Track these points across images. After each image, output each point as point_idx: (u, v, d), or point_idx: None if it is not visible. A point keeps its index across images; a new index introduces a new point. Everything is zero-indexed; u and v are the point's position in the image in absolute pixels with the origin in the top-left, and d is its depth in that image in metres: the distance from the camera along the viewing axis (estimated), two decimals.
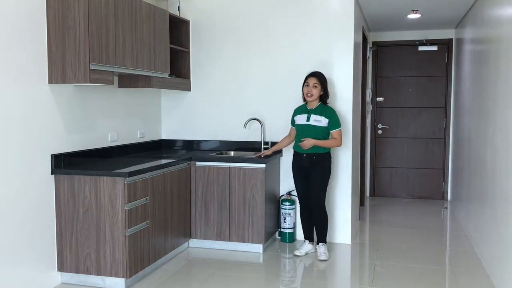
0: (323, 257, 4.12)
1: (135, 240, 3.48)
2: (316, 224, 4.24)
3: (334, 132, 4.08)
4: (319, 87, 4.07)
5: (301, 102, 4.37)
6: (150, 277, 3.72)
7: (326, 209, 4.23)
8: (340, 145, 4.13)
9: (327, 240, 4.38)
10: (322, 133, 4.08)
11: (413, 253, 4.38)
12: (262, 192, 4.25)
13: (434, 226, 5.42)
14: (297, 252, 4.24)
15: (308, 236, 4.33)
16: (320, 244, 4.20)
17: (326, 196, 4.23)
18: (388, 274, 3.84)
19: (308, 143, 4.05)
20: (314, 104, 4.13)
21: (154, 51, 4.08)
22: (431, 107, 6.85)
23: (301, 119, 4.18)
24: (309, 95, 4.08)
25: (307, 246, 4.29)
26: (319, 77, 4.10)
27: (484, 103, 4.33)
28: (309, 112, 4.13)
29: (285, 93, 4.68)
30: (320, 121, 4.06)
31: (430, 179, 6.92)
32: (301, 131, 4.16)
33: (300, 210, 4.38)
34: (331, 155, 4.25)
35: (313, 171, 4.12)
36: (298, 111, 4.26)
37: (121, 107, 4.33)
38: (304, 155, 4.12)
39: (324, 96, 4.13)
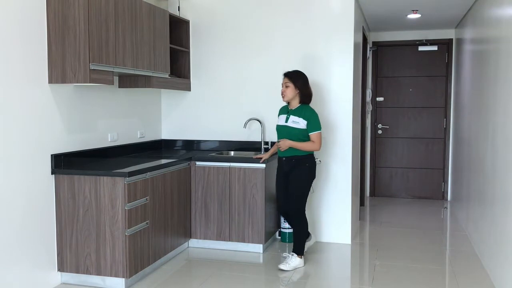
0: (282, 266, 3.88)
1: (135, 240, 3.48)
2: (293, 231, 4.03)
3: (312, 134, 3.86)
4: (291, 86, 3.87)
5: None
6: (150, 277, 3.72)
7: (307, 216, 4.07)
8: (317, 149, 3.89)
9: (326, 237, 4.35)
10: (300, 135, 3.87)
11: (413, 253, 4.38)
12: (262, 192, 4.25)
13: (434, 226, 5.42)
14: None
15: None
16: (292, 254, 3.96)
17: (307, 203, 4.04)
18: (388, 274, 3.84)
19: (284, 144, 3.88)
20: (294, 104, 3.94)
21: (154, 51, 4.08)
22: (431, 107, 6.85)
23: (281, 119, 4.02)
24: (283, 95, 3.94)
25: (294, 261, 3.97)
26: (290, 77, 3.90)
27: (484, 103, 4.33)
28: (288, 113, 3.96)
29: None
30: (298, 122, 3.86)
31: (430, 179, 6.92)
32: (279, 133, 4.00)
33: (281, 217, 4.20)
34: (316, 158, 4.06)
35: (292, 175, 3.93)
36: (280, 111, 4.10)
37: (121, 107, 4.33)
38: (284, 158, 3.96)
39: (301, 96, 3.91)
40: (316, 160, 4.04)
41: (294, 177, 3.93)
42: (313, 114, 3.91)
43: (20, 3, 3.11)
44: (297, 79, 3.91)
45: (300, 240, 3.99)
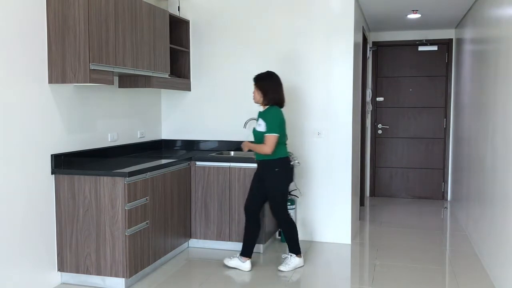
0: (282, 268, 3.89)
1: (135, 240, 3.48)
2: (284, 234, 4.03)
3: (265, 136, 3.73)
4: (256, 89, 3.83)
5: (299, 102, 4.37)
6: (150, 277, 3.72)
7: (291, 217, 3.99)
8: (267, 152, 3.71)
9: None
10: (263, 137, 3.78)
11: (413, 253, 4.38)
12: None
13: (434, 226, 5.42)
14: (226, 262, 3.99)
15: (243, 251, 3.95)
16: (290, 254, 3.95)
17: (286, 207, 3.93)
18: (388, 274, 3.84)
19: (244, 146, 3.93)
20: (263, 107, 3.87)
21: (154, 51, 4.08)
22: (431, 107, 6.85)
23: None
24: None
25: (235, 261, 3.95)
26: (255, 80, 3.85)
27: (484, 103, 4.33)
28: (258, 116, 3.92)
29: (284, 93, 4.67)
30: (260, 125, 3.79)
31: (430, 179, 6.92)
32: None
33: None
34: (295, 161, 3.92)
35: (265, 180, 3.86)
36: None
37: (121, 107, 4.33)
38: (257, 161, 3.91)
39: (264, 98, 3.80)
40: (294, 162, 3.91)
41: (267, 183, 3.85)
42: (272, 116, 3.77)
43: (20, 3, 3.11)
44: (257, 80, 3.85)
45: (293, 240, 3.96)
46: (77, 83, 3.30)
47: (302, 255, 4.01)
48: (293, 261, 3.92)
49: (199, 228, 4.42)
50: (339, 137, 4.62)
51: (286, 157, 3.87)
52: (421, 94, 6.88)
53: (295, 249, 3.97)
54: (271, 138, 3.71)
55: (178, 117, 5.05)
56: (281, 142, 3.82)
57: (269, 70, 3.97)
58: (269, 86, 3.83)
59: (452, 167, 6.58)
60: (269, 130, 3.73)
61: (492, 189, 3.84)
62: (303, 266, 3.98)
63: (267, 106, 3.84)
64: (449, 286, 3.66)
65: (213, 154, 4.57)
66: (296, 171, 4.70)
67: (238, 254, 3.97)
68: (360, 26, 5.32)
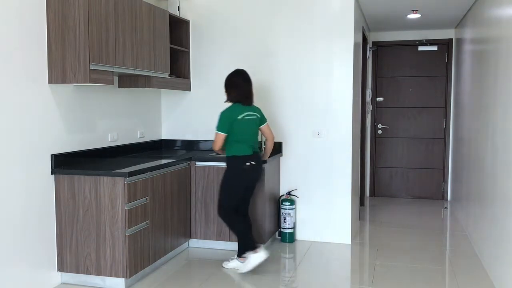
0: (225, 264, 3.95)
1: (135, 240, 3.48)
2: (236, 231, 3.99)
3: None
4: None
5: (299, 102, 4.37)
6: (150, 277, 3.72)
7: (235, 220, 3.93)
8: (213, 148, 3.85)
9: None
10: None
11: (413, 253, 4.38)
12: (261, 192, 4.25)
13: (434, 226, 5.42)
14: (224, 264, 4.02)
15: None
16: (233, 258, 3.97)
17: (228, 206, 3.90)
18: (388, 274, 3.84)
19: None
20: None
21: (154, 51, 4.08)
22: (431, 107, 6.86)
23: None
24: None
25: (234, 262, 3.97)
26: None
27: (484, 103, 4.33)
28: None
29: (285, 93, 4.68)
30: None
31: (430, 179, 6.93)
32: None
33: None
34: (250, 162, 3.84)
35: None
36: None
37: (121, 107, 4.33)
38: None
39: (227, 97, 3.90)
40: (248, 163, 3.82)
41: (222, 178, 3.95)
42: (222, 114, 3.82)
43: (20, 3, 3.11)
44: (225, 81, 3.91)
45: (238, 235, 3.93)
46: (77, 83, 3.31)
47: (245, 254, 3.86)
48: (232, 263, 3.92)
49: (199, 228, 4.42)
50: (339, 137, 4.62)
51: (241, 156, 3.83)
52: (421, 94, 6.88)
53: (241, 251, 3.90)
54: (216, 136, 3.81)
55: (178, 117, 5.05)
56: (239, 140, 3.82)
57: (238, 68, 3.99)
58: (231, 84, 3.88)
59: (452, 167, 6.58)
60: (216, 127, 3.81)
61: (492, 189, 3.84)
62: (241, 271, 3.84)
63: (231, 104, 3.89)
64: (449, 286, 3.66)
65: (213, 154, 4.56)
66: (296, 171, 4.72)
67: (235, 256, 3.97)
68: (360, 26, 5.32)
